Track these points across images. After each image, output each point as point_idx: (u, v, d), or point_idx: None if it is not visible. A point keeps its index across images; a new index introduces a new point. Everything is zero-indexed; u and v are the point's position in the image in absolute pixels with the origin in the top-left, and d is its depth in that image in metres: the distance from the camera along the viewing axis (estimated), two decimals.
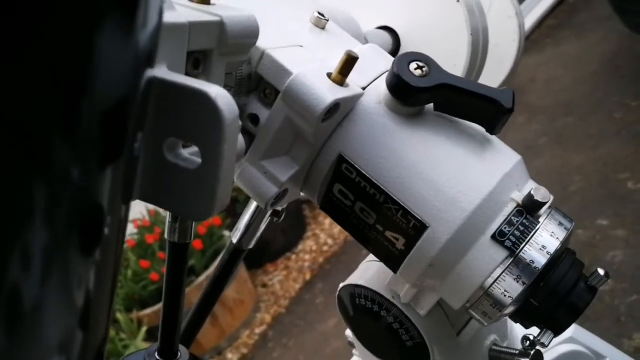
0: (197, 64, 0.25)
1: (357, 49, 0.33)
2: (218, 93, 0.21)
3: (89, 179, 0.15)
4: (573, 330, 0.46)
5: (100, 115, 0.15)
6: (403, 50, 0.52)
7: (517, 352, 0.36)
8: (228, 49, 0.26)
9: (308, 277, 2.82)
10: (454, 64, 0.50)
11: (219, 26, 0.25)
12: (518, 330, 0.41)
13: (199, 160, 0.22)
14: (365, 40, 0.43)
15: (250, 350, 2.48)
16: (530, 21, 4.12)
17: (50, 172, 0.14)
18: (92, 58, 0.14)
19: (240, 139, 0.29)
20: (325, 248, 3.00)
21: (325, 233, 3.08)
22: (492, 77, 0.65)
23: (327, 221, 3.04)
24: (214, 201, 0.22)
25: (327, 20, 0.35)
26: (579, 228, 2.09)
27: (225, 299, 2.38)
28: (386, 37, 0.51)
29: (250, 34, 0.27)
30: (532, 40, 3.89)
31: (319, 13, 0.35)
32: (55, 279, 0.16)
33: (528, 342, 0.34)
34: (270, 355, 2.39)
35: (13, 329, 0.15)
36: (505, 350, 0.37)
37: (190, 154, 0.22)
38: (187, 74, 0.25)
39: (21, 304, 0.15)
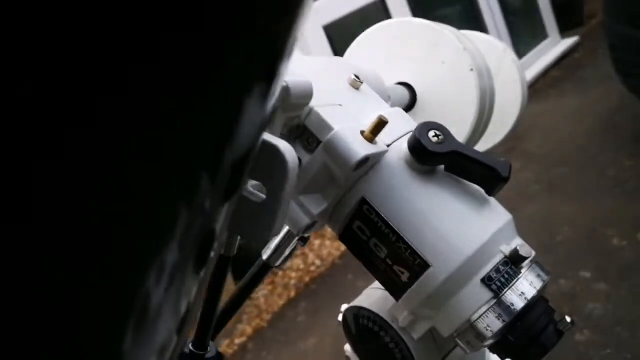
0: None
1: (386, 111, 0.40)
2: (286, 147, 0.27)
3: (213, 212, 0.21)
4: None
5: (235, 162, 0.21)
6: (418, 104, 0.59)
7: None
8: (289, 107, 0.33)
9: (293, 294, 2.87)
10: (463, 120, 0.56)
11: (285, 90, 0.32)
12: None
13: (264, 196, 0.28)
14: (388, 97, 0.50)
15: (228, 358, 2.52)
16: (535, 70, 4.22)
17: (193, 204, 0.19)
18: (240, 119, 0.19)
19: (296, 156, 0.35)
20: (313, 268, 3.05)
21: (314, 253, 3.13)
22: (497, 131, 0.72)
23: (317, 242, 3.10)
24: (272, 229, 0.28)
25: (362, 83, 0.42)
26: (561, 277, 2.15)
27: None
28: (405, 92, 0.58)
29: (307, 96, 0.34)
30: (536, 89, 4.00)
31: (356, 76, 0.42)
32: (173, 291, 0.21)
33: None
34: None
35: (138, 331, 0.18)
36: None
37: (252, 186, 0.28)
38: None
39: (147, 310, 0.18)
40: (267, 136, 0.27)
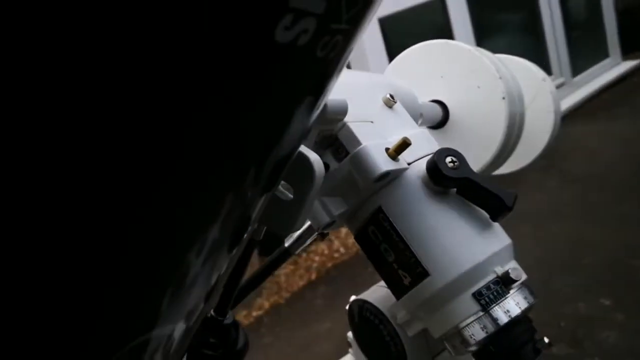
0: None
1: (411, 132, 0.45)
2: (315, 159, 0.32)
3: (252, 202, 0.26)
4: None
5: (276, 164, 0.24)
6: (450, 122, 0.63)
7: None
8: (324, 121, 0.38)
9: (313, 277, 2.94)
10: (490, 143, 0.61)
11: (323, 107, 0.37)
12: None
13: (291, 196, 0.33)
14: (420, 115, 0.55)
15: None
16: (589, 89, 4.15)
17: (240, 193, 0.24)
18: (288, 128, 0.23)
19: (323, 166, 0.40)
20: (336, 255, 3.11)
21: (339, 241, 3.19)
22: (526, 154, 0.75)
23: (344, 230, 3.15)
24: (294, 225, 0.33)
25: (395, 102, 0.47)
26: (581, 301, 2.16)
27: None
28: (438, 109, 0.62)
29: (341, 114, 0.39)
30: (586, 110, 3.94)
31: (391, 95, 0.47)
32: (208, 265, 0.26)
33: None
34: (261, 339, 2.50)
35: (174, 297, 0.23)
36: None
37: (282, 186, 0.34)
38: None
39: (185, 278, 0.23)
40: (301, 147, 0.32)
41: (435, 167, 0.41)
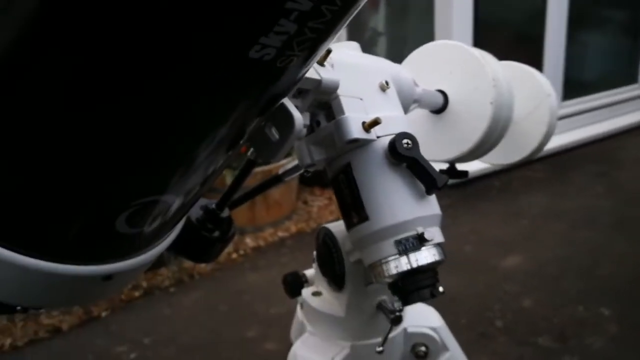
0: (299, 93, 0.52)
1: (391, 114, 0.58)
2: (297, 117, 0.47)
3: (251, 118, 0.40)
4: (440, 324, 0.71)
5: (272, 98, 0.39)
6: (448, 110, 0.76)
7: (390, 310, 0.63)
8: (319, 93, 0.52)
9: None
10: (470, 136, 0.73)
11: (318, 82, 0.51)
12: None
13: (277, 137, 0.48)
14: (413, 101, 0.68)
15: (266, 244, 2.83)
16: None
17: (246, 109, 0.37)
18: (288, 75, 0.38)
19: (304, 130, 0.55)
20: None
21: None
22: (515, 153, 0.88)
23: None
24: (275, 157, 0.48)
25: (389, 87, 0.60)
26: (581, 305, 2.26)
27: (269, 196, 2.72)
28: (440, 98, 0.75)
29: (332, 91, 0.53)
30: None
31: (386, 82, 0.60)
32: (211, 156, 0.39)
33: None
34: (280, 258, 2.72)
35: (183, 174, 0.40)
36: (384, 305, 0.64)
37: (272, 130, 0.49)
38: (293, 96, 0.51)
39: (194, 161, 0.38)
40: (291, 107, 0.47)
41: (393, 145, 0.55)
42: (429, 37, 3.20)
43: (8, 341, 2.15)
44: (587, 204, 3.11)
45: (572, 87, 3.74)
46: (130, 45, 0.29)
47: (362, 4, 0.35)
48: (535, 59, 3.56)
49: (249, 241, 2.77)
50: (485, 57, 0.73)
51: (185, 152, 0.38)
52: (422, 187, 0.56)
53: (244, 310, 2.31)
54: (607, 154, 3.72)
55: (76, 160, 0.35)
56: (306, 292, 0.70)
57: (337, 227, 0.65)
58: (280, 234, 2.88)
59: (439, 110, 0.76)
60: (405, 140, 0.55)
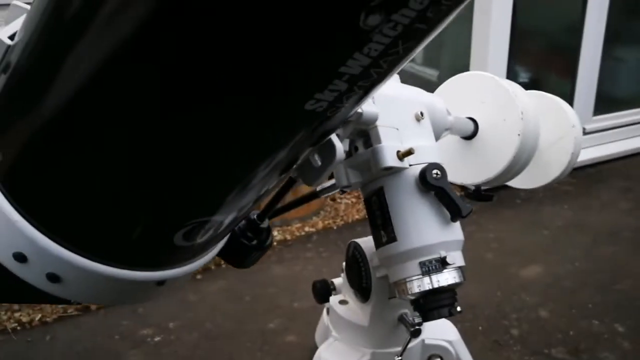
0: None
1: (424, 144, 0.63)
2: (339, 147, 0.53)
3: (303, 148, 0.45)
4: (456, 338, 0.77)
5: (323, 132, 0.45)
6: (477, 136, 0.81)
7: (410, 322, 0.69)
8: (359, 123, 0.58)
9: None
10: (496, 164, 0.78)
11: (360, 115, 0.56)
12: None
13: (320, 163, 0.54)
14: (445, 129, 0.73)
15: (293, 238, 2.90)
16: None
17: (303, 137, 0.42)
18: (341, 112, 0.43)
19: (343, 154, 0.60)
20: None
21: None
22: (540, 178, 0.92)
23: None
24: (318, 181, 0.54)
25: (423, 118, 0.66)
26: (596, 319, 2.28)
27: (298, 192, 2.78)
28: (471, 125, 0.80)
29: (372, 122, 0.58)
30: None
31: (421, 112, 0.65)
32: (266, 177, 0.44)
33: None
34: (304, 253, 2.79)
35: (240, 191, 0.45)
36: (406, 318, 0.69)
37: (315, 156, 0.54)
38: None
39: (251, 182, 0.43)
40: (335, 139, 0.53)
41: (424, 174, 0.60)
42: (466, 43, 3.22)
43: (38, 316, 2.25)
44: (611, 219, 3.11)
45: (604, 102, 3.72)
46: (212, 95, 0.35)
47: (405, 64, 0.40)
48: (569, 71, 3.55)
49: (276, 234, 2.84)
50: (515, 90, 0.78)
51: (245, 180, 0.44)
52: (447, 214, 0.62)
53: (267, 302, 2.38)
54: (634, 170, 3.70)
55: (151, 188, 0.42)
56: (334, 299, 0.76)
57: (366, 242, 0.71)
58: (307, 229, 2.94)
59: (469, 136, 0.81)
60: (435, 171, 0.60)
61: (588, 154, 3.56)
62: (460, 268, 0.62)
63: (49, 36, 0.38)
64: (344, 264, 0.76)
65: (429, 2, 0.32)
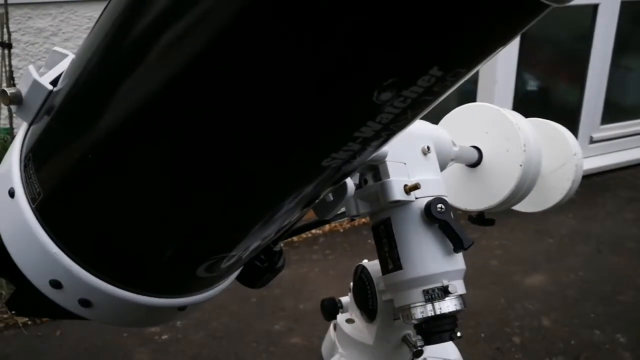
0: None
1: (430, 177, 0.67)
2: (350, 185, 0.57)
3: (325, 187, 0.49)
4: (456, 357, 0.81)
5: (343, 174, 0.49)
6: (481, 165, 0.85)
7: (412, 343, 0.73)
8: (371, 160, 0.62)
9: None
10: (499, 192, 0.82)
11: None
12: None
13: (332, 198, 0.58)
14: (450, 160, 0.77)
15: (299, 240, 2.94)
16: None
17: (327, 178, 0.46)
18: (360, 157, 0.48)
19: (354, 189, 0.64)
20: None
21: None
22: (540, 203, 0.96)
23: None
24: (330, 215, 0.58)
25: (429, 152, 0.69)
26: (598, 329, 2.32)
27: (309, 215, 2.83)
28: (475, 153, 0.84)
29: (382, 159, 0.62)
30: None
31: (427, 147, 0.69)
32: (289, 212, 0.48)
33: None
34: (311, 255, 2.83)
35: (264, 223, 0.48)
36: (409, 338, 0.73)
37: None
38: None
39: (275, 215, 0.47)
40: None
41: (429, 208, 0.64)
42: None
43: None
44: (615, 229, 3.14)
45: (612, 111, 3.74)
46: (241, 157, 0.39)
47: (412, 124, 0.44)
48: (578, 79, 3.57)
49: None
50: (518, 122, 0.81)
51: (269, 221, 0.48)
52: (450, 245, 0.65)
53: (273, 303, 2.42)
54: None
55: (179, 229, 0.46)
56: (341, 317, 0.80)
57: (373, 266, 0.75)
58: (314, 231, 2.99)
59: (474, 165, 0.85)
60: (439, 205, 0.64)
61: (594, 163, 3.58)
62: (461, 296, 0.66)
63: (93, 86, 0.43)
64: (351, 284, 0.80)
65: (436, 79, 0.36)
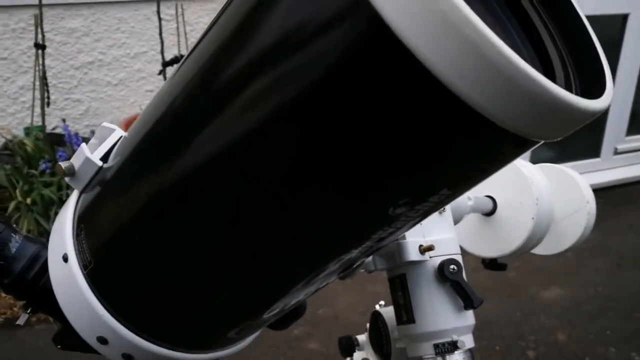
0: None
1: (445, 237, 0.72)
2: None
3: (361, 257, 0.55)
4: None
5: (373, 249, 0.55)
6: (496, 214, 0.89)
7: None
8: None
9: None
10: (511, 242, 0.86)
11: None
12: None
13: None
14: (464, 214, 0.81)
15: None
16: None
17: (364, 251, 0.54)
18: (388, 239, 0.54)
19: None
20: None
21: None
22: (552, 248, 0.99)
23: None
24: (352, 277, 0.63)
25: (445, 211, 0.74)
26: (613, 347, 2.34)
27: None
28: (490, 203, 0.88)
29: None
30: None
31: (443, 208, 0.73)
32: (326, 277, 0.55)
33: None
34: None
35: (303, 285, 0.54)
36: None
37: None
38: None
39: (311, 281, 0.52)
40: None
41: (441, 268, 0.68)
42: None
43: None
44: (637, 242, 3.14)
45: (637, 122, 3.71)
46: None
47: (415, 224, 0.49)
48: None
49: None
50: (532, 176, 0.85)
51: (299, 294, 0.54)
52: (461, 302, 0.70)
53: None
54: None
55: (220, 301, 0.52)
56: (357, 356, 0.86)
57: (389, 313, 0.80)
58: None
59: (489, 213, 0.89)
60: (452, 267, 0.69)
61: (618, 174, 3.57)
62: (470, 350, 0.71)
63: (145, 170, 0.48)
64: (367, 324, 0.85)
65: (446, 196, 0.41)
